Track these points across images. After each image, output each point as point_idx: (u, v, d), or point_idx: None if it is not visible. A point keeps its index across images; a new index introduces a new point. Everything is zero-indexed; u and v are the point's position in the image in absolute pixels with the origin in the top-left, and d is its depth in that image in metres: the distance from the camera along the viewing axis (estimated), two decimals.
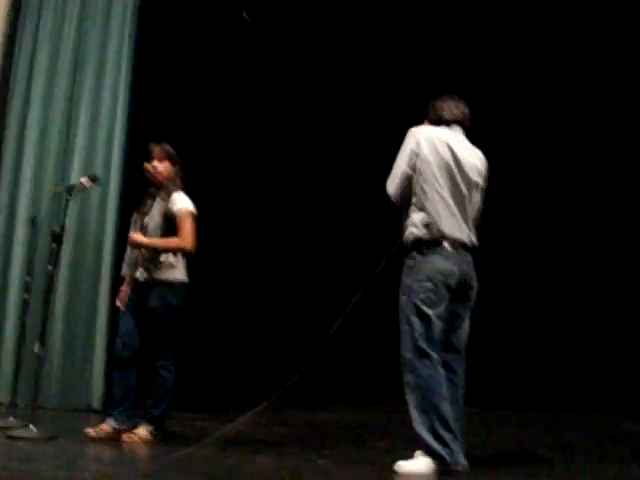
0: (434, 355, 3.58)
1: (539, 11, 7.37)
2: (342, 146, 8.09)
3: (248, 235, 8.00)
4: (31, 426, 4.27)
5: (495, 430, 5.65)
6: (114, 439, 4.33)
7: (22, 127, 6.52)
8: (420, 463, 3.53)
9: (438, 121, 3.92)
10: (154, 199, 4.53)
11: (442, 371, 3.60)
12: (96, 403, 5.99)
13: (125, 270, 4.67)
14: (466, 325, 3.82)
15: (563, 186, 7.73)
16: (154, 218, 4.46)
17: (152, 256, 4.44)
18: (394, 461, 3.61)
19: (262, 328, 7.88)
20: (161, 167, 4.52)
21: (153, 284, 4.42)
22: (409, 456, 3.61)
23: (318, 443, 4.63)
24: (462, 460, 3.53)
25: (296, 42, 7.82)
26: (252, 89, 7.94)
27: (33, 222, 5.36)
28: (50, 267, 4.58)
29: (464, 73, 7.35)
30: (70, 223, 6.10)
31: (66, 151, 6.42)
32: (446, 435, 3.50)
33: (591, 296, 7.43)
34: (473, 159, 3.92)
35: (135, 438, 4.32)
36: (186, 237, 4.42)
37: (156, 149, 4.55)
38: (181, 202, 4.48)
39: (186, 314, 4.60)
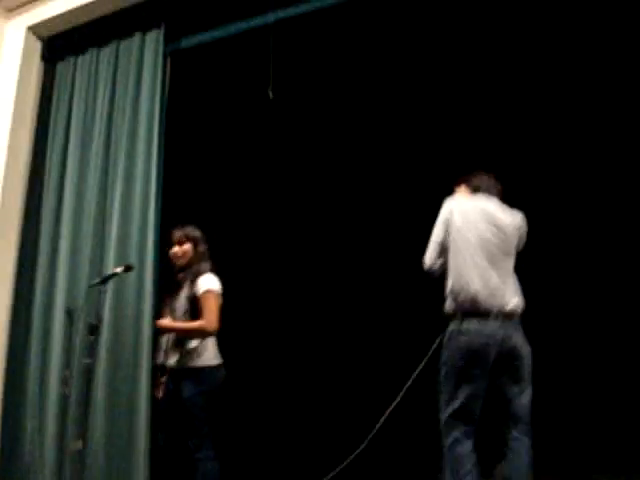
0: (459, 430, 3.62)
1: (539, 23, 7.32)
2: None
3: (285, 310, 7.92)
4: None
5: None
6: None
7: (56, 220, 6.57)
8: None
9: (474, 191, 3.97)
10: (181, 286, 4.49)
11: (468, 447, 3.61)
12: None
13: (161, 359, 4.57)
14: (524, 398, 3.71)
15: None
16: (181, 302, 4.41)
17: (179, 342, 4.37)
18: None
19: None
20: (181, 251, 4.50)
21: (184, 372, 4.32)
22: None
23: None
24: None
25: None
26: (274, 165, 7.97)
27: (69, 314, 5.29)
28: (88, 360, 4.49)
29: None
30: (107, 313, 6.09)
31: (100, 242, 6.41)
32: None
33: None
34: (511, 218, 3.91)
35: None
36: (208, 318, 4.37)
37: (175, 234, 4.57)
38: (204, 284, 4.43)
39: (225, 396, 4.46)
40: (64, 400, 5.33)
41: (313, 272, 8.15)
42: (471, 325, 3.63)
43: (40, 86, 7.04)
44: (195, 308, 4.38)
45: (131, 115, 6.61)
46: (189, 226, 4.66)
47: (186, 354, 4.34)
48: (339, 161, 8.10)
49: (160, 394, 4.55)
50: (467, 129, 7.52)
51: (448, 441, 3.61)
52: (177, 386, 4.34)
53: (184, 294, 4.42)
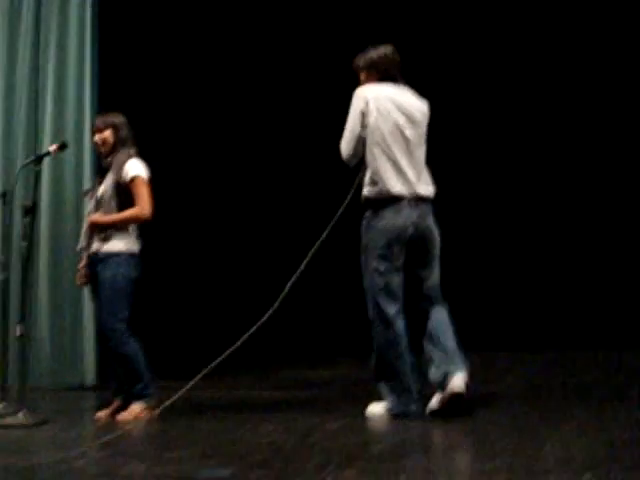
0: (392, 311, 3.75)
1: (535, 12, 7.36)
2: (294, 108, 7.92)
3: (204, 197, 7.83)
4: (20, 414, 4.06)
5: (509, 372, 5.59)
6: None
7: None
8: (379, 407, 3.81)
9: (386, 77, 3.95)
10: (107, 171, 4.34)
11: (400, 326, 3.77)
12: (89, 379, 5.81)
13: (82, 244, 4.45)
14: (434, 275, 3.93)
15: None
16: (108, 189, 4.27)
17: (100, 228, 4.27)
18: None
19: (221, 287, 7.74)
20: (101, 139, 4.36)
21: (105, 257, 4.23)
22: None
23: (322, 404, 4.48)
24: (413, 408, 3.72)
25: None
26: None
27: (3, 197, 5.07)
28: (24, 243, 4.32)
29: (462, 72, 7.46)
30: (45, 197, 5.93)
31: (34, 124, 6.17)
32: (400, 385, 3.74)
33: (591, 234, 7.33)
34: (418, 104, 4.00)
35: (128, 416, 4.14)
36: (143, 205, 4.29)
37: (97, 120, 4.47)
38: (133, 169, 4.32)
39: (144, 283, 4.39)
40: (4, 285, 5.18)
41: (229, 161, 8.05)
42: (387, 211, 3.78)
43: None
44: (122, 194, 4.27)
45: None
46: (111, 113, 4.48)
47: (107, 239, 4.25)
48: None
49: (81, 281, 4.45)
50: None
51: (385, 316, 3.73)
52: (97, 271, 4.26)
53: (110, 180, 4.28)
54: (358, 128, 3.83)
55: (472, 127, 7.53)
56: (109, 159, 4.38)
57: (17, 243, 5.59)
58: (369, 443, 3.30)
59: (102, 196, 4.30)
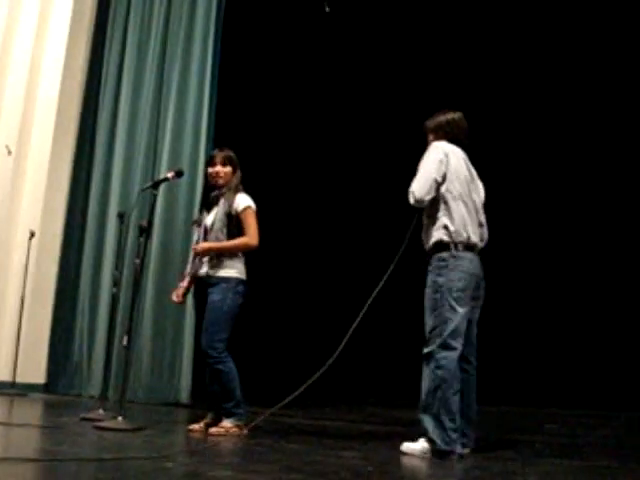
0: (458, 350, 3.87)
1: (538, 15, 7.46)
2: (364, 145, 8.25)
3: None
4: (119, 418, 4.32)
5: (592, 429, 5.49)
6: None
7: (112, 127, 6.72)
8: (419, 446, 3.85)
9: (453, 140, 4.20)
10: (217, 203, 4.60)
11: (458, 367, 3.88)
12: (184, 397, 6.05)
13: (189, 270, 4.71)
14: (475, 322, 4.12)
15: (564, 189, 7.88)
16: (219, 218, 4.53)
17: (218, 258, 4.51)
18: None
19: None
20: (224, 172, 4.62)
21: (214, 280, 4.47)
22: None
23: (403, 439, 4.55)
24: (459, 449, 3.79)
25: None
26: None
27: (121, 217, 5.44)
28: (137, 261, 4.62)
29: (465, 77, 7.67)
30: (158, 219, 6.28)
31: (154, 150, 6.57)
32: (447, 424, 3.77)
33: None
34: (478, 178, 4.27)
35: (221, 430, 4.34)
36: (252, 234, 4.55)
37: (218, 155, 4.69)
38: (244, 201, 4.61)
39: (247, 311, 4.61)
40: (114, 300, 5.52)
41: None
42: (466, 254, 3.97)
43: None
44: (232, 224, 4.51)
45: (187, 28, 6.66)
46: (229, 150, 4.77)
47: (215, 266, 4.49)
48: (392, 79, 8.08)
49: (178, 299, 4.69)
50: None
51: (451, 352, 3.83)
52: (206, 293, 4.49)
53: (222, 210, 4.52)
54: (437, 175, 4.01)
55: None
56: (218, 192, 4.65)
57: (129, 261, 6.01)
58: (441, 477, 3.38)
59: (212, 225, 4.55)
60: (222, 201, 4.60)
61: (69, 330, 6.45)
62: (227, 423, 4.38)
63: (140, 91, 6.71)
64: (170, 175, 4.85)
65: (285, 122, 8.16)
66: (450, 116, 4.26)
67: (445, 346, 3.85)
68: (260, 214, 4.62)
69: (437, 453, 3.76)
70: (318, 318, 8.09)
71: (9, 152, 6.38)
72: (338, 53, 8.01)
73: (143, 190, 5.23)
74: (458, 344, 3.87)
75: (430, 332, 3.91)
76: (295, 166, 8.33)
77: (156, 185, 4.79)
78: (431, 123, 4.29)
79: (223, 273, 4.51)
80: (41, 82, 6.77)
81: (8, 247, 6.53)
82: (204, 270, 4.56)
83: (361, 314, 4.13)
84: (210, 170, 4.68)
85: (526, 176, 7.90)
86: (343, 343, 4.05)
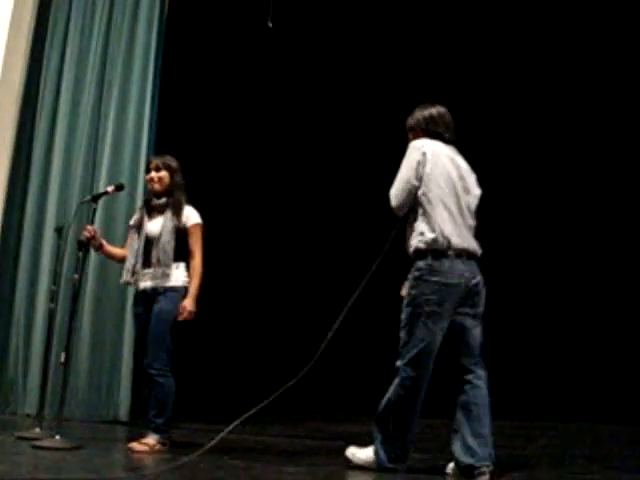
0: (426, 371, 3.71)
1: (535, 14, 7.47)
2: (344, 147, 8.23)
3: (244, 242, 8.12)
4: (57, 436, 4.23)
5: (534, 441, 5.58)
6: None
7: (50, 138, 6.57)
8: (363, 454, 3.84)
9: (437, 136, 3.94)
10: (160, 211, 4.55)
11: (424, 388, 3.74)
12: (123, 414, 5.94)
13: (126, 278, 4.63)
14: (477, 331, 3.84)
15: (576, 195, 7.88)
16: (168, 231, 4.49)
17: (152, 265, 4.46)
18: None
19: (264, 331, 7.96)
20: (157, 177, 4.58)
21: (159, 292, 4.43)
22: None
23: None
24: (400, 467, 3.73)
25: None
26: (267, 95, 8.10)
27: (59, 232, 5.34)
28: (75, 276, 4.55)
29: (460, 75, 7.66)
30: (98, 233, 6.15)
31: (93, 162, 6.45)
32: (397, 444, 3.72)
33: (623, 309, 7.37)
34: (471, 174, 4.01)
35: (144, 447, 4.28)
36: (200, 253, 4.56)
37: (154, 161, 4.68)
38: (193, 217, 4.60)
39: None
40: (51, 315, 5.41)
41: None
42: (444, 263, 3.70)
43: (37, 4, 6.92)
44: (180, 238, 4.49)
45: (128, 36, 6.57)
46: (167, 155, 4.72)
47: (160, 278, 4.46)
48: (334, 94, 8.12)
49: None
50: None
51: (417, 372, 3.67)
52: (151, 305, 4.44)
53: (170, 223, 4.48)
54: (413, 178, 3.77)
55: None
56: (161, 200, 4.59)
57: (67, 276, 5.89)
58: None
59: (159, 236, 4.50)
60: (169, 212, 4.55)
61: (4, 346, 6.27)
62: (151, 440, 4.32)
63: (79, 103, 6.58)
64: (110, 189, 4.80)
65: (229, 133, 8.12)
66: (428, 112, 3.98)
67: (412, 364, 3.68)
68: (219, 223, 4.61)
69: (377, 467, 3.74)
70: (280, 328, 8.10)
71: None
72: (280, 63, 8.04)
73: (82, 204, 5.15)
74: (427, 365, 3.68)
75: (401, 347, 3.75)
76: (256, 172, 8.31)
77: (95, 199, 4.74)
78: (410, 121, 4.03)
79: (167, 283, 4.47)
80: None
81: None
82: (148, 284, 4.50)
83: (334, 328, 3.88)
84: (146, 177, 4.66)
85: (524, 177, 7.92)
86: (316, 356, 3.83)
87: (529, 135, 7.85)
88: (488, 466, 3.59)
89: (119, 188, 4.86)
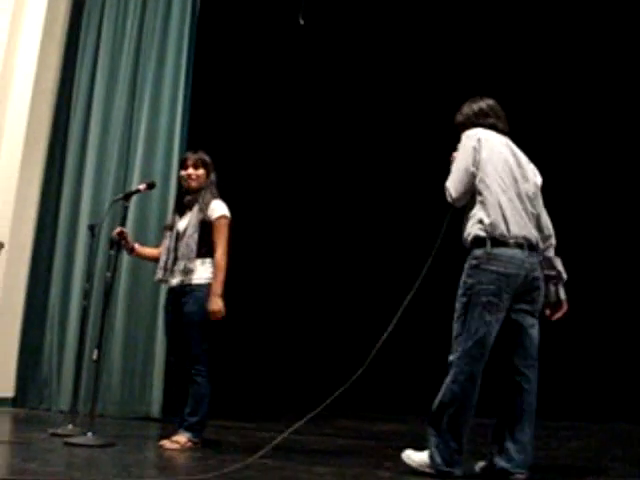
0: (481, 363, 3.51)
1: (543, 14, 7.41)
2: (380, 144, 8.16)
3: (278, 239, 8.08)
4: (89, 434, 4.26)
5: (563, 442, 5.49)
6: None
7: (83, 137, 6.65)
8: (418, 457, 3.64)
9: (489, 127, 3.82)
10: (190, 207, 4.53)
11: (479, 383, 3.53)
12: (155, 411, 5.98)
13: (160, 277, 4.62)
14: (535, 331, 3.67)
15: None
16: (193, 224, 4.46)
17: (182, 261, 4.43)
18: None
19: (306, 336, 7.91)
20: (196, 174, 4.54)
21: (187, 289, 4.40)
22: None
23: (377, 453, 4.52)
24: (457, 472, 3.51)
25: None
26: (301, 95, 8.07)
27: (92, 229, 5.37)
28: (108, 274, 4.57)
29: (469, 73, 7.51)
30: (130, 231, 6.20)
31: (126, 160, 6.51)
32: (452, 445, 3.51)
33: None
34: (529, 163, 3.87)
35: (175, 445, 4.27)
36: (223, 248, 4.46)
37: (191, 157, 4.60)
38: (220, 209, 4.52)
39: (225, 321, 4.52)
40: (84, 313, 5.46)
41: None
42: (505, 251, 3.53)
43: (71, 1, 6.99)
44: (204, 231, 4.46)
45: (160, 36, 6.62)
46: (201, 151, 4.70)
47: (185, 273, 4.44)
48: (364, 91, 8.09)
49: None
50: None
51: (470, 368, 3.45)
52: (180, 303, 4.43)
53: (195, 217, 4.46)
54: (470, 165, 3.64)
55: None
56: (192, 196, 4.58)
57: (100, 273, 5.95)
58: None
59: (185, 230, 4.48)
60: (196, 206, 4.52)
61: (38, 343, 6.35)
62: (182, 437, 4.31)
63: (112, 101, 6.64)
64: (142, 187, 4.82)
65: (261, 129, 8.13)
66: (477, 105, 3.88)
67: (466, 358, 3.49)
68: (248, 221, 4.55)
69: (435, 471, 3.54)
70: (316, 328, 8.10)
71: None
72: (318, 56, 8.02)
73: (114, 202, 5.19)
74: (482, 358, 3.50)
75: (455, 339, 3.57)
76: (287, 168, 8.31)
77: (127, 197, 4.75)
78: (459, 117, 3.92)
79: (192, 280, 4.43)
80: (11, 91, 6.67)
81: None
82: (176, 280, 4.49)
83: (390, 327, 3.74)
84: (182, 173, 4.60)
85: None
86: (372, 354, 3.73)
87: (528, 135, 7.78)
88: (522, 474, 3.51)
89: (151, 186, 4.88)
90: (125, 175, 6.46)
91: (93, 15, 6.90)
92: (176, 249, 4.52)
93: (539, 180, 3.86)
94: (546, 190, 3.91)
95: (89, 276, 5.52)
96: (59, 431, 4.65)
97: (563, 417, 6.51)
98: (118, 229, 4.57)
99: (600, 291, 7.46)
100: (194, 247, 4.45)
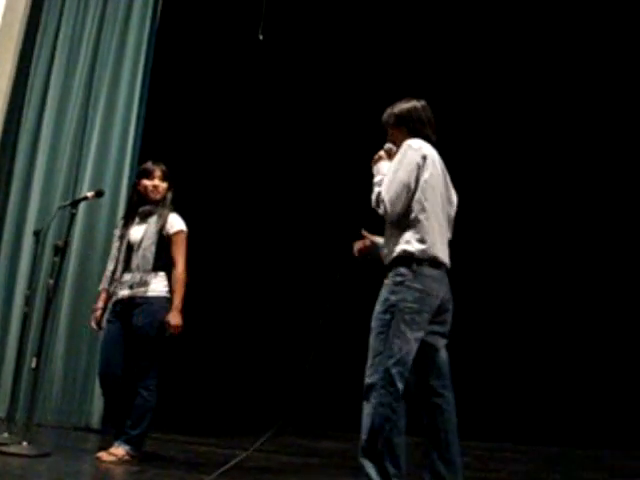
0: (403, 383, 3.35)
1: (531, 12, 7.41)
2: (333, 153, 8.18)
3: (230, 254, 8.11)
4: (24, 443, 4.18)
5: (505, 464, 5.54)
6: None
7: (34, 141, 6.55)
8: None
9: (418, 135, 3.64)
10: (146, 218, 4.50)
11: (403, 402, 3.37)
12: (95, 422, 5.89)
13: (105, 286, 4.57)
14: (445, 352, 3.62)
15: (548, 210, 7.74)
16: (150, 236, 4.43)
17: (130, 272, 4.39)
18: None
19: (248, 349, 7.92)
20: (162, 187, 4.53)
21: (137, 301, 4.36)
22: None
23: (320, 471, 4.52)
24: None
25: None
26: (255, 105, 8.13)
27: (37, 235, 5.29)
28: (51, 281, 4.51)
29: (454, 74, 7.57)
30: (77, 239, 6.14)
31: (77, 166, 6.43)
32: (391, 470, 3.30)
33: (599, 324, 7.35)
34: (449, 180, 3.77)
35: (112, 458, 4.21)
36: (182, 263, 4.46)
37: (158, 168, 4.58)
38: (178, 224, 4.53)
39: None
40: (25, 319, 5.36)
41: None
42: (430, 271, 3.46)
43: (29, 5, 6.90)
44: (162, 244, 4.44)
45: (118, 41, 6.58)
46: (161, 163, 4.68)
47: (138, 285, 4.40)
48: (323, 106, 8.13)
49: (94, 323, 4.55)
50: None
51: (394, 387, 3.29)
52: (129, 315, 4.38)
53: (153, 228, 4.44)
54: (412, 182, 3.48)
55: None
56: (149, 207, 4.55)
57: (43, 280, 5.85)
58: None
59: (140, 241, 4.44)
60: (154, 218, 4.50)
61: None
62: (121, 450, 4.25)
63: (66, 107, 6.56)
64: (90, 194, 4.78)
65: (215, 140, 8.12)
66: (412, 104, 3.69)
67: (389, 378, 3.33)
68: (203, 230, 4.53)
69: None
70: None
71: None
72: (269, 74, 8.05)
73: (60, 208, 5.13)
74: (404, 375, 3.36)
75: (374, 357, 3.39)
76: (226, 186, 8.30)
77: (75, 204, 4.70)
78: (390, 116, 3.72)
79: (145, 293, 4.39)
80: None
81: None
82: (125, 292, 4.44)
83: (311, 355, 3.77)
84: (148, 183, 4.55)
85: (512, 181, 7.81)
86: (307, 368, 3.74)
87: (519, 136, 7.81)
88: None
89: (99, 194, 4.83)
90: (75, 182, 6.38)
91: (51, 19, 6.82)
92: (126, 260, 4.48)
93: (456, 200, 3.78)
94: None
95: (31, 282, 5.42)
96: None
97: (504, 438, 6.56)
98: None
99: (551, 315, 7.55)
100: (151, 259, 4.42)
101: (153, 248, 4.43)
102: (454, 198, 3.76)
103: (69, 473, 3.80)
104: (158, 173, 4.57)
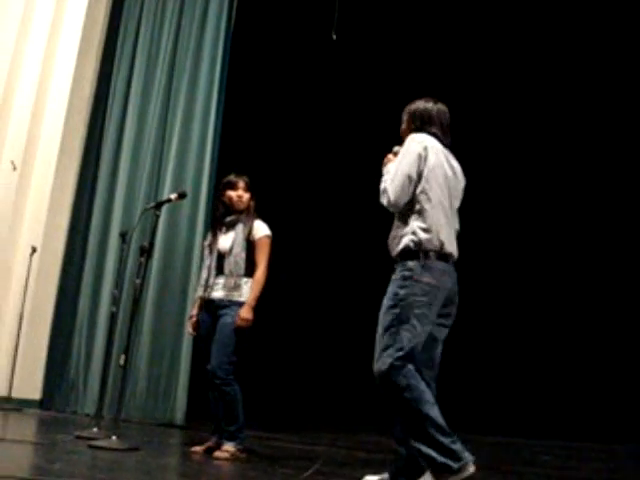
0: (412, 365, 3.33)
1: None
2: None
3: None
4: (114, 437, 4.32)
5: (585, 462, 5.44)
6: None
7: (117, 146, 6.77)
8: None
9: (433, 134, 3.68)
10: (233, 226, 4.65)
11: (419, 376, 3.35)
12: (179, 418, 6.04)
13: (200, 294, 4.71)
14: (441, 344, 3.61)
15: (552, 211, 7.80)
16: (239, 243, 4.59)
17: (224, 278, 4.53)
18: None
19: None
20: (246, 197, 4.70)
21: (228, 304, 4.51)
22: None
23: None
24: (469, 457, 3.22)
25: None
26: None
27: (123, 237, 5.47)
28: (138, 280, 4.65)
29: (458, 74, 7.66)
30: (160, 240, 6.31)
31: (159, 169, 6.61)
32: (445, 440, 3.24)
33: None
34: (463, 179, 3.80)
35: (225, 454, 4.32)
36: (264, 267, 4.64)
37: (242, 180, 4.76)
38: (263, 229, 4.71)
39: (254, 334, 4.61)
40: (112, 318, 5.54)
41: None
42: (437, 264, 3.47)
43: (108, 14, 7.12)
44: (249, 250, 4.61)
45: (195, 47, 6.75)
46: (244, 175, 4.86)
47: (232, 289, 4.55)
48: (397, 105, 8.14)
49: (190, 329, 4.71)
50: None
51: (405, 381, 3.29)
52: (218, 316, 4.51)
53: (241, 235, 4.61)
54: (414, 173, 3.52)
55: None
56: (235, 216, 4.71)
57: (129, 280, 6.04)
58: None
59: (231, 249, 4.61)
60: (240, 226, 4.67)
61: (67, 347, 6.46)
62: (230, 447, 4.36)
63: (147, 111, 6.77)
64: (173, 196, 4.90)
65: (289, 147, 8.22)
66: (427, 104, 3.75)
67: (399, 367, 3.32)
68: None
69: (450, 472, 3.19)
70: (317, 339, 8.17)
71: (14, 167, 6.43)
72: (343, 75, 8.10)
73: (146, 210, 5.28)
74: (412, 364, 3.34)
75: (382, 351, 3.38)
76: (303, 189, 8.38)
77: (159, 206, 4.83)
78: (404, 112, 3.80)
79: (238, 297, 4.57)
80: (48, 100, 6.82)
81: (9, 262, 6.54)
82: (219, 294, 4.59)
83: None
84: (233, 194, 4.73)
85: (516, 181, 7.88)
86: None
87: (522, 135, 7.78)
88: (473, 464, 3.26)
89: (182, 196, 4.97)
90: (157, 185, 6.56)
91: (130, 27, 7.04)
92: (218, 267, 4.65)
93: (461, 189, 3.77)
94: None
95: (118, 282, 5.60)
96: (84, 434, 4.71)
97: (586, 438, 6.49)
98: None
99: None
100: (242, 265, 4.61)
101: (243, 254, 4.61)
102: (460, 192, 3.74)
103: (157, 466, 3.90)
104: (242, 184, 4.76)
